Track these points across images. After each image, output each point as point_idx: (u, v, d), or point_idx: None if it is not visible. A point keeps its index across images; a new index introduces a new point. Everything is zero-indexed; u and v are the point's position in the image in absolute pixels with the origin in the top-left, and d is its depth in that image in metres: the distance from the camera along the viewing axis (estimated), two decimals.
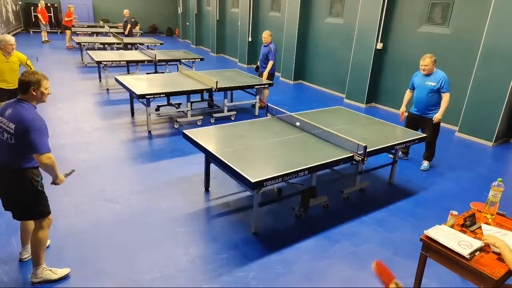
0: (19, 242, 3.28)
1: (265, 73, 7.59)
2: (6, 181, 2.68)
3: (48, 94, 2.77)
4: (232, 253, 3.34)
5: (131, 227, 3.63)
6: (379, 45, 8.18)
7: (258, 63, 7.97)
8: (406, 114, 5.37)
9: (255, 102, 7.45)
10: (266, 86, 7.31)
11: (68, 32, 14.22)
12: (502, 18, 6.02)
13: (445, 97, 4.93)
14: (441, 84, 4.89)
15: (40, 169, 2.74)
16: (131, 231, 3.58)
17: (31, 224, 2.99)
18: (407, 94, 5.39)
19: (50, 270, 2.90)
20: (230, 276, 3.06)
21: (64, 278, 2.93)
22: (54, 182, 2.86)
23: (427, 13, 7.43)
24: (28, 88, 2.64)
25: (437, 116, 4.99)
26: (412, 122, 5.26)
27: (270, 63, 7.56)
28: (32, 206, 2.75)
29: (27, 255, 3.08)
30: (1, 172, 2.68)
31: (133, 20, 18.17)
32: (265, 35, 7.66)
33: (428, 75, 4.98)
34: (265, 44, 7.67)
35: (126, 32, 13.86)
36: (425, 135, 4.69)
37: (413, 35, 7.75)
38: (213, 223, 3.81)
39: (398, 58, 8.11)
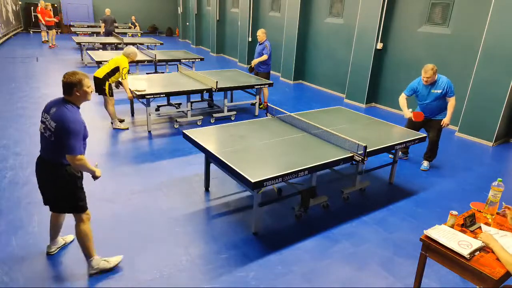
0: (20, 242, 3.31)
1: (255, 61, 7.60)
2: (49, 175, 2.80)
3: (91, 92, 2.84)
4: (232, 253, 3.34)
5: (131, 227, 3.63)
6: (379, 45, 8.18)
7: (253, 63, 7.89)
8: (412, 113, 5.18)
9: (255, 102, 7.45)
10: (265, 85, 7.30)
11: (50, 32, 14.34)
12: (502, 18, 6.02)
13: (451, 101, 4.93)
14: (446, 90, 4.88)
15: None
16: (131, 231, 3.58)
17: (62, 219, 3.15)
18: (403, 100, 5.17)
19: (105, 260, 3.02)
20: (230, 276, 3.06)
21: (118, 265, 3.07)
22: (94, 177, 2.95)
23: (427, 13, 7.43)
24: (72, 89, 2.72)
25: (445, 121, 4.98)
26: (415, 123, 5.20)
27: (264, 57, 7.55)
28: (72, 201, 2.86)
29: (54, 248, 3.19)
30: (43, 166, 2.81)
31: (135, 20, 18.21)
32: (260, 33, 7.64)
33: (431, 84, 4.94)
34: (260, 42, 7.66)
35: (102, 31, 13.95)
36: (425, 135, 4.68)
37: (413, 35, 7.75)
38: (213, 223, 3.81)
39: (398, 58, 8.11)
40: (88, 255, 2.96)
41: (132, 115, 7.02)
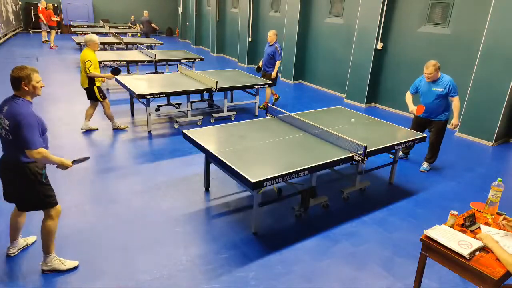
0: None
1: (274, 73, 7.60)
2: (11, 175, 2.78)
3: (41, 87, 2.80)
4: (232, 253, 3.34)
5: (131, 227, 3.63)
6: (379, 45, 8.18)
7: (260, 64, 7.93)
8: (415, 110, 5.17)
9: (256, 102, 7.44)
10: (266, 85, 7.29)
11: (53, 32, 14.40)
12: (502, 18, 6.01)
13: (455, 101, 4.88)
14: (448, 89, 4.82)
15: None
16: (131, 231, 3.58)
17: (22, 219, 3.12)
18: (409, 96, 5.23)
19: (60, 260, 3.01)
20: (230, 276, 3.06)
21: (72, 270, 3.02)
22: (62, 167, 2.86)
23: (427, 13, 7.43)
24: (20, 84, 2.67)
25: (453, 123, 4.97)
26: (419, 124, 5.19)
27: (278, 63, 7.58)
28: (38, 198, 2.82)
29: (15, 250, 3.16)
30: (6, 166, 2.79)
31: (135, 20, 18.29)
32: (271, 34, 7.59)
33: (433, 81, 4.91)
34: (270, 44, 7.61)
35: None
36: (425, 135, 4.67)
37: (413, 35, 7.75)
38: (213, 223, 3.81)
39: (398, 58, 8.11)
40: (46, 250, 2.96)
41: (132, 115, 7.02)
